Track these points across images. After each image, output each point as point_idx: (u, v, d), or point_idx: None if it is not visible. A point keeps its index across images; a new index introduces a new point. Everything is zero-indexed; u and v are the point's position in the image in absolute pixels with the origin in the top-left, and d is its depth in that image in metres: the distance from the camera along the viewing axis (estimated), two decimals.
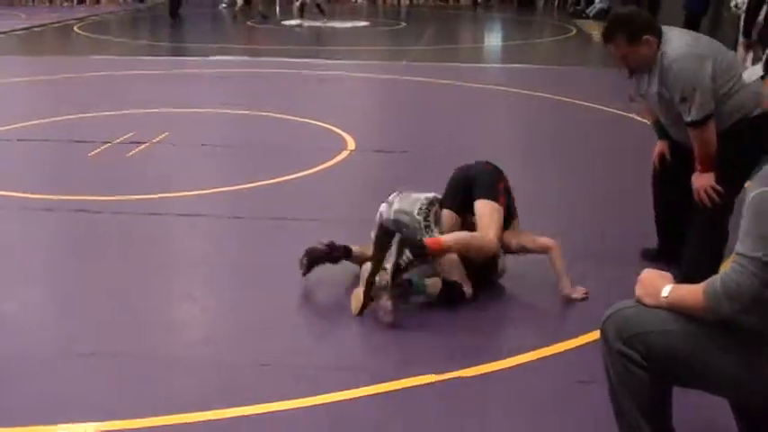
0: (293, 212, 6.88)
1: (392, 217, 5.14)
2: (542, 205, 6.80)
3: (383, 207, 5.27)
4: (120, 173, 8.17)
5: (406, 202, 5.19)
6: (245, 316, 5.02)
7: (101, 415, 3.85)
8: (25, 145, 9.34)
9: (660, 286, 2.98)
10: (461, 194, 5.42)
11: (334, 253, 5.37)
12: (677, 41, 4.94)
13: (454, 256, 5.15)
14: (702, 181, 5.02)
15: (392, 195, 5.31)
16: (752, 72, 3.07)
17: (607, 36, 5.10)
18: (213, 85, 13.54)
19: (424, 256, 4.99)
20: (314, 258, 5.33)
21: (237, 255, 6.09)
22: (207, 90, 13.00)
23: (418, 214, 5.12)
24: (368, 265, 4.96)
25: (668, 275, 3.04)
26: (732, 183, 5.00)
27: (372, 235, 5.16)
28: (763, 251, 2.68)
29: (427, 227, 5.11)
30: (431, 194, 5.28)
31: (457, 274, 5.13)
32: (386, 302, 4.73)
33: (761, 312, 2.79)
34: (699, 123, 4.90)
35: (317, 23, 22.47)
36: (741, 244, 2.75)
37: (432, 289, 5.06)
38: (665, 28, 5.05)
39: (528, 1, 29.37)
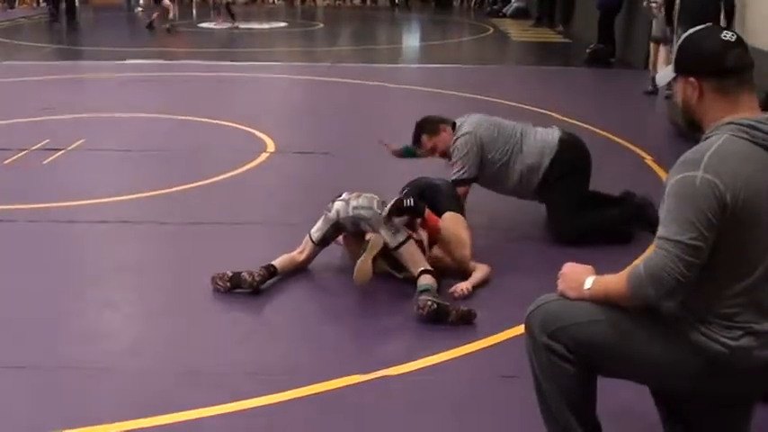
0: (213, 216, 6.83)
1: (351, 213, 5.31)
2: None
3: (339, 205, 5.38)
4: (37, 180, 8.02)
5: (364, 200, 5.34)
6: (166, 323, 4.96)
7: (21, 429, 3.78)
8: None
9: (583, 279, 3.01)
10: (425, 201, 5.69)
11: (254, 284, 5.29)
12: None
13: (416, 251, 5.26)
14: None
15: (344, 194, 5.44)
16: (663, 75, 3.11)
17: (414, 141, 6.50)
18: (129, 89, 13.35)
19: (419, 216, 5.43)
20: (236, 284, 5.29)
21: (158, 261, 6.03)
22: (122, 95, 12.81)
23: (378, 209, 5.26)
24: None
25: (590, 268, 3.07)
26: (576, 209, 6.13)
27: (314, 233, 5.45)
28: (688, 234, 2.72)
29: (388, 222, 5.25)
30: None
31: (421, 264, 5.22)
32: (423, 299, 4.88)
33: (684, 296, 2.84)
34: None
35: (232, 25, 22.34)
36: (663, 228, 2.78)
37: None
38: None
39: (445, 2, 29.54)
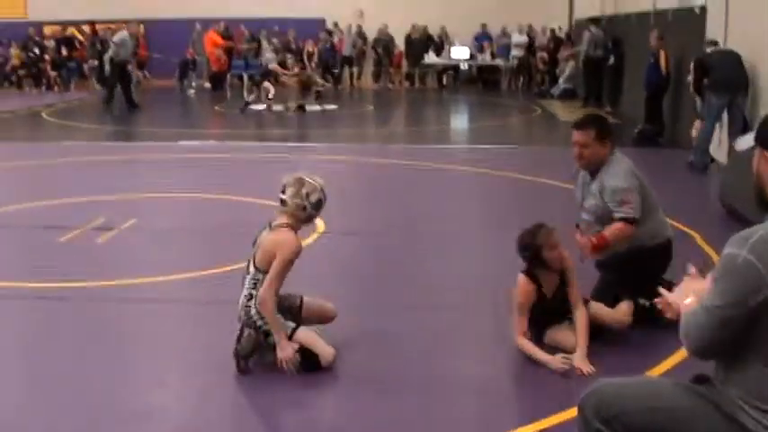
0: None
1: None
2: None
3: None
4: (91, 259, 8.15)
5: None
6: (219, 402, 4.99)
7: None
8: None
9: (688, 295, 3.14)
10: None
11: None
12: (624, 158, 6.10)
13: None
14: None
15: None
16: (743, 141, 3.15)
17: (581, 125, 6.09)
18: (181, 169, 13.56)
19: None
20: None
21: (208, 340, 6.06)
22: (175, 175, 13.02)
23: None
24: None
25: (705, 282, 3.14)
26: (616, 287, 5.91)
27: None
28: (721, 303, 2.84)
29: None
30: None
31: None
32: None
33: (725, 370, 2.95)
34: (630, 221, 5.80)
35: (286, 107, 22.55)
36: (706, 293, 2.93)
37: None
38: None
39: (493, 83, 29.77)
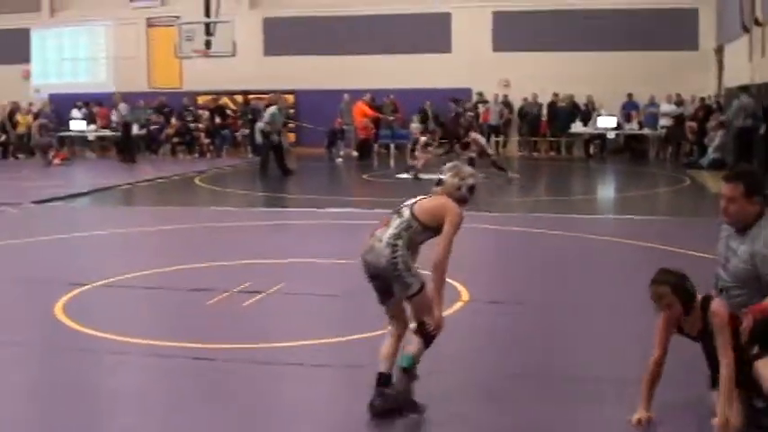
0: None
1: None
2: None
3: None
4: (237, 321, 8.35)
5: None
6: None
7: None
8: (148, 293, 9.65)
9: None
10: None
11: None
12: None
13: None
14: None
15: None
16: None
17: (730, 177, 5.65)
18: (328, 235, 13.79)
19: None
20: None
21: (352, 406, 6.08)
22: (322, 241, 13.24)
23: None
24: None
25: None
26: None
27: None
28: None
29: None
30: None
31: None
32: None
33: None
34: None
35: (433, 176, 22.70)
36: None
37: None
38: None
39: (640, 153, 29.37)
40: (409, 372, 5.76)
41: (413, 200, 5.99)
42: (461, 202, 5.93)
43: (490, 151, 23.61)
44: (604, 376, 6.65)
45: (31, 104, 31.77)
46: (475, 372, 6.79)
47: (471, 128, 23.51)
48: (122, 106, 28.49)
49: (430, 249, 5.80)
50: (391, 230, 5.78)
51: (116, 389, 6.61)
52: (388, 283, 5.79)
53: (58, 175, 24.02)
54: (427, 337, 5.75)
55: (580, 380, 6.58)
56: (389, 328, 5.95)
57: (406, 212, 5.86)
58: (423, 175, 21.79)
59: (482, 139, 22.98)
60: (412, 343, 5.82)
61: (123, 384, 6.69)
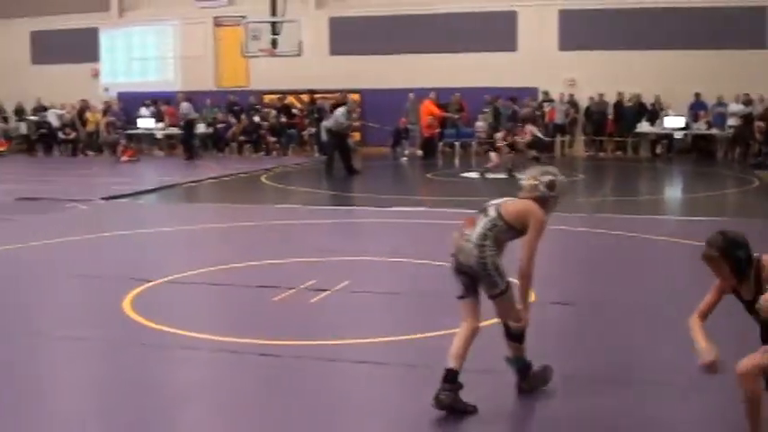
0: (468, 363, 6.90)
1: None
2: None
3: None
4: (303, 318, 8.42)
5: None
6: None
7: None
8: (215, 289, 9.76)
9: None
10: None
11: None
12: None
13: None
14: None
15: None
16: None
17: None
18: (393, 234, 13.83)
19: None
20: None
21: (416, 405, 6.11)
22: (387, 239, 13.29)
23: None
24: None
25: None
26: None
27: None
28: None
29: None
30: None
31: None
32: None
33: None
34: None
35: (500, 176, 22.59)
36: None
37: None
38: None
39: (708, 153, 28.99)
40: (526, 369, 6.09)
41: (500, 200, 6.14)
42: (543, 202, 6.02)
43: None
44: (669, 378, 6.60)
45: (106, 103, 32.22)
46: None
47: (528, 120, 23.47)
48: (184, 105, 28.87)
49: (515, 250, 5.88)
50: (478, 230, 5.94)
51: (183, 384, 6.72)
52: (476, 280, 5.93)
53: (126, 173, 24.41)
54: (515, 336, 6.03)
55: (643, 381, 6.54)
56: (462, 324, 5.97)
57: (492, 212, 6.00)
58: (490, 175, 21.79)
59: (536, 131, 22.88)
60: (509, 347, 6.10)
61: (191, 379, 6.79)
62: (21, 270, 10.93)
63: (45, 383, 6.69)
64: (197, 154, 28.77)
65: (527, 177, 6.16)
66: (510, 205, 6.03)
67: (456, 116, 29.56)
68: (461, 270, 5.98)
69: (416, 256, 11.39)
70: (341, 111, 23.82)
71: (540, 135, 22.73)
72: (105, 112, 31.68)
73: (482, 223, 5.96)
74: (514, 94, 29.26)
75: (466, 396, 5.78)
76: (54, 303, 9.29)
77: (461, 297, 6.05)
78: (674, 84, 28.34)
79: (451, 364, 5.83)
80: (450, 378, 5.78)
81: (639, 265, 11.26)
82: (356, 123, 29.22)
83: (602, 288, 9.85)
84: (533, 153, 22.70)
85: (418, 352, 7.28)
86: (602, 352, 7.37)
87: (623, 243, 12.92)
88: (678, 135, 28.96)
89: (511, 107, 28.89)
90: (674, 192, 22.52)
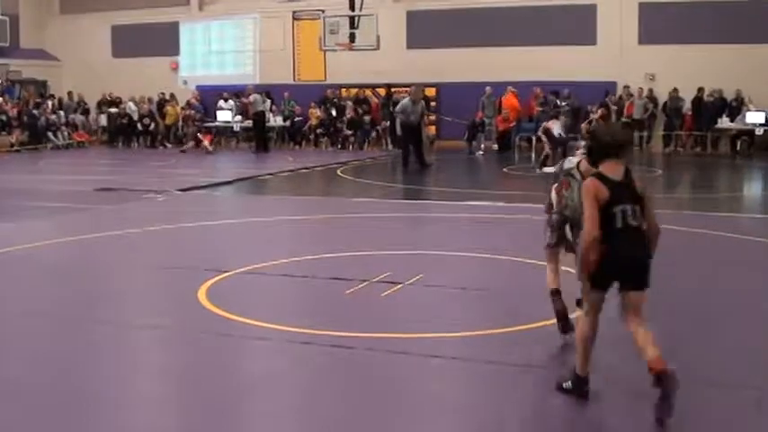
0: (539, 359, 6.88)
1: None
2: None
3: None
4: (375, 311, 8.46)
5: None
6: None
7: None
8: (289, 280, 9.85)
9: None
10: None
11: None
12: None
13: None
14: None
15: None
16: None
17: None
18: (467, 229, 13.80)
19: None
20: None
21: (479, 400, 6.11)
22: (461, 234, 13.27)
23: None
24: None
25: None
26: None
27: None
28: None
29: None
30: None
31: None
32: None
33: None
34: None
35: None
36: None
37: None
38: None
39: None
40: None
41: (570, 163, 7.26)
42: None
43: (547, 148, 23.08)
44: (752, 382, 6.49)
45: (192, 97, 32.65)
46: (618, 372, 6.70)
47: (553, 116, 23.33)
48: (254, 97, 29.14)
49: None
50: (576, 191, 6.92)
51: (256, 373, 6.79)
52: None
53: (202, 164, 24.74)
54: None
55: (726, 385, 6.44)
56: (548, 266, 7.63)
57: (578, 175, 6.96)
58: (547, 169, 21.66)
59: (554, 129, 22.59)
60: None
61: (264, 369, 6.87)
62: (99, 259, 11.15)
63: (125, 370, 6.83)
64: (266, 147, 29.05)
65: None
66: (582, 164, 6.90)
67: (539, 109, 29.27)
68: (566, 222, 7.10)
69: (490, 251, 11.35)
70: (406, 100, 23.78)
71: (561, 132, 22.48)
72: (187, 105, 32.06)
73: (576, 186, 6.84)
74: (596, 89, 28.89)
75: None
76: (133, 292, 9.49)
77: (555, 245, 7.35)
78: (756, 78, 27.78)
79: (553, 285, 7.40)
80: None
81: (720, 263, 11.03)
82: (431, 116, 29.22)
83: (681, 288, 9.69)
84: (547, 150, 22.55)
85: (491, 348, 7.26)
86: (683, 354, 7.27)
87: (701, 240, 12.69)
88: (759, 131, 28.39)
89: (554, 101, 28.51)
90: (754, 189, 22.08)
